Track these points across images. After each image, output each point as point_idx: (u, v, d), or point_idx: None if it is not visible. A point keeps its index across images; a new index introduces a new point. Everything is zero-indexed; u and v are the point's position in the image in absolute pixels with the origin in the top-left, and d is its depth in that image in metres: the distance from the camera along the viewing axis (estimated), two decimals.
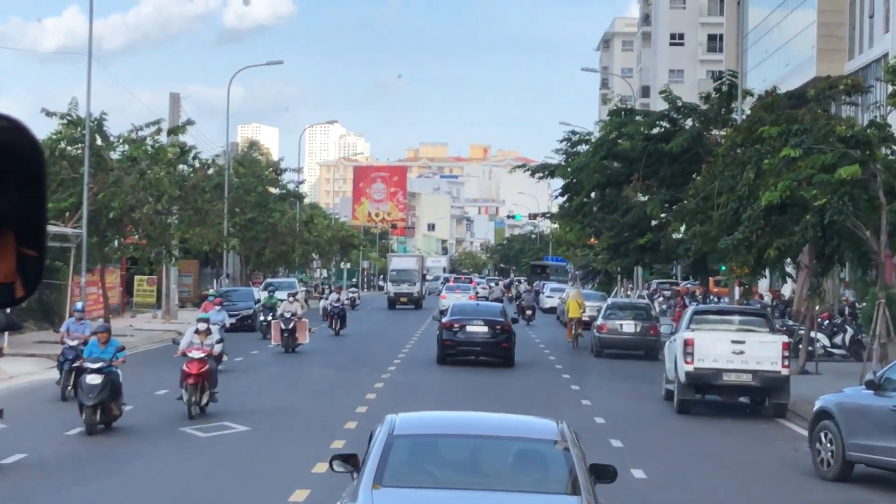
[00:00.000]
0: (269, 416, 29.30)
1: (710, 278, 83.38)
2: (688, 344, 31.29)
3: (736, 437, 28.62)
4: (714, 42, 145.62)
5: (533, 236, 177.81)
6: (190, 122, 54.59)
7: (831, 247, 33.71)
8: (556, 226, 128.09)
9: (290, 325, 46.50)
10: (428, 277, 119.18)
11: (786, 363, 30.98)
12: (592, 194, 54.15)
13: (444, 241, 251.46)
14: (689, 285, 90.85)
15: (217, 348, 30.05)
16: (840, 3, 77.45)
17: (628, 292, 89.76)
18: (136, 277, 68.99)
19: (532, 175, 57.74)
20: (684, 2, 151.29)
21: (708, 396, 32.31)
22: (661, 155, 50.58)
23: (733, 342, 31.10)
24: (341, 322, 57.19)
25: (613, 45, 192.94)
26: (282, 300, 50.01)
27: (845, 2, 77.14)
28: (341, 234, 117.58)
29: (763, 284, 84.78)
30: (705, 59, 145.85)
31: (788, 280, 75.96)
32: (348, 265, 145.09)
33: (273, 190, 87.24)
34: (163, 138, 53.66)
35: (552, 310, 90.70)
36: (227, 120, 74.54)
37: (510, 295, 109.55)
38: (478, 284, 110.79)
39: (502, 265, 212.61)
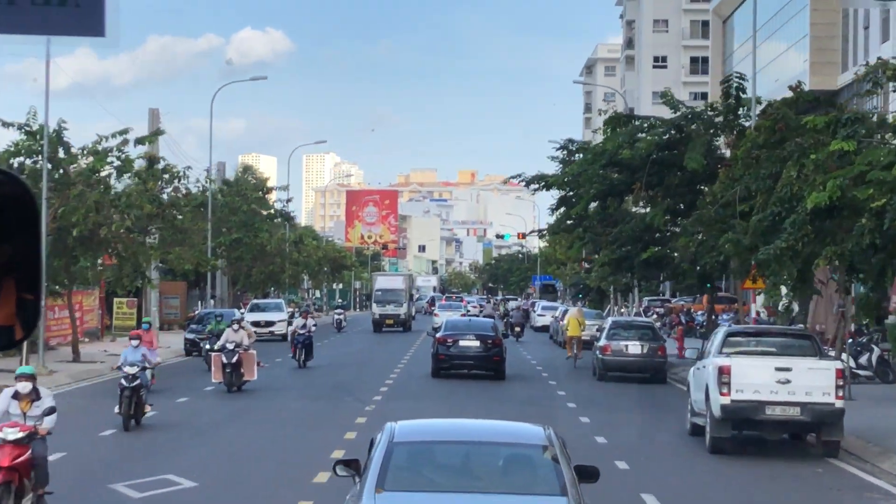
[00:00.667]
0: (222, 467, 22.82)
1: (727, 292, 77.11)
2: (723, 372, 24.89)
3: (786, 484, 22.35)
4: (696, 64, 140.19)
5: (520, 256, 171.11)
6: (159, 133, 48.01)
7: (881, 258, 27.24)
8: (545, 244, 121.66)
9: (234, 359, 36.11)
10: (417, 298, 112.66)
11: (840, 394, 24.57)
12: (591, 206, 47.51)
13: (434, 262, 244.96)
14: (682, 302, 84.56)
15: (47, 423, 17.17)
16: (832, 16, 72.83)
17: (621, 310, 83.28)
18: (116, 300, 62.38)
19: (527, 186, 51.02)
20: (667, 25, 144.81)
21: (745, 432, 25.82)
22: (666, 164, 44.23)
23: (777, 370, 24.71)
24: (306, 352, 46.01)
25: (596, 71, 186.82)
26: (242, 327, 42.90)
27: (838, 15, 72.31)
28: (332, 255, 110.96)
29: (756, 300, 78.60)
30: (688, 80, 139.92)
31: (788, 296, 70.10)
32: (340, 286, 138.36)
33: (263, 211, 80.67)
34: (139, 159, 47.14)
35: (544, 328, 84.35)
36: (209, 134, 68.11)
37: (499, 313, 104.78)
38: (468, 303, 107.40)
39: (490, 284, 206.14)
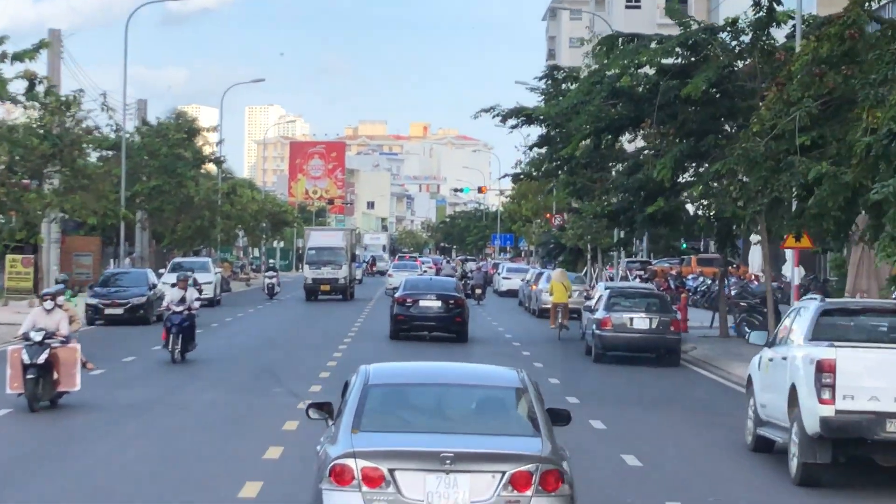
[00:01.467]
0: None
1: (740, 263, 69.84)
2: (825, 369, 17.29)
3: None
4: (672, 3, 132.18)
5: (478, 213, 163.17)
6: (44, 45, 39.45)
7: None
8: (509, 199, 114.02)
9: (41, 358, 22.83)
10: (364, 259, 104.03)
11: None
12: (583, 143, 39.50)
13: (383, 220, 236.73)
14: (666, 264, 77.11)
15: None
16: None
17: (602, 273, 75.64)
18: (9, 257, 54.19)
19: (503, 121, 43.02)
20: None
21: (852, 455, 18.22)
22: (679, 95, 36.54)
23: None
24: (184, 339, 32.42)
25: (561, 16, 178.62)
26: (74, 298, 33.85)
27: None
28: (271, 209, 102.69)
29: (755, 261, 71.27)
30: (663, 22, 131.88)
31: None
32: (281, 244, 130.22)
33: (190, 156, 72.36)
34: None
35: (510, 293, 76.79)
36: (124, 59, 60.00)
37: (457, 274, 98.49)
38: (423, 263, 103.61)
39: (444, 244, 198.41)
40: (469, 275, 77.04)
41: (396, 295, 42.54)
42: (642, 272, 73.98)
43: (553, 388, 28.35)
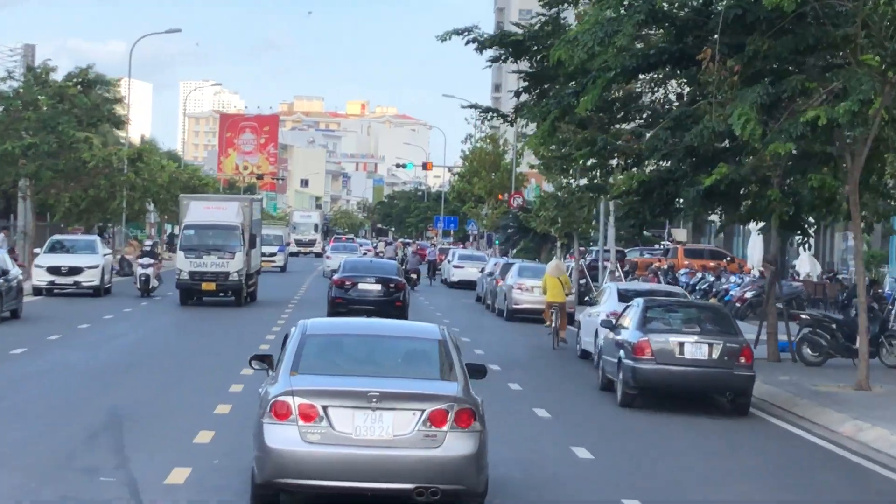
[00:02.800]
0: None
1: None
2: None
3: None
4: None
5: (419, 192, 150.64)
6: None
7: None
8: (456, 177, 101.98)
9: None
10: (286, 241, 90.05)
11: None
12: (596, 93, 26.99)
13: (318, 199, 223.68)
14: (648, 255, 65.42)
15: None
16: None
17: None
18: None
19: (480, 50, 30.56)
20: None
21: None
22: (746, 21, 24.54)
23: None
24: None
25: None
26: None
27: None
28: (187, 180, 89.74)
29: (755, 253, 59.67)
30: None
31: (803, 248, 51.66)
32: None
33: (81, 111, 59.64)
34: None
35: (464, 285, 64.89)
36: None
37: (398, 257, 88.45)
38: (361, 245, 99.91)
39: (380, 226, 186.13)
40: (406, 259, 71.42)
41: (335, 277, 41.20)
42: (619, 265, 62.23)
43: (580, 469, 16.41)
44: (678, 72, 26.85)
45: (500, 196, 79.98)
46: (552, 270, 37.32)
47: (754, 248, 58.08)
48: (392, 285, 39.98)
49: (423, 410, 12.81)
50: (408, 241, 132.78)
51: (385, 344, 14.27)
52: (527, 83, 32.06)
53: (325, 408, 12.77)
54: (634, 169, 27.05)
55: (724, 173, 23.93)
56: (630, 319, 24.13)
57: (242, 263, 44.72)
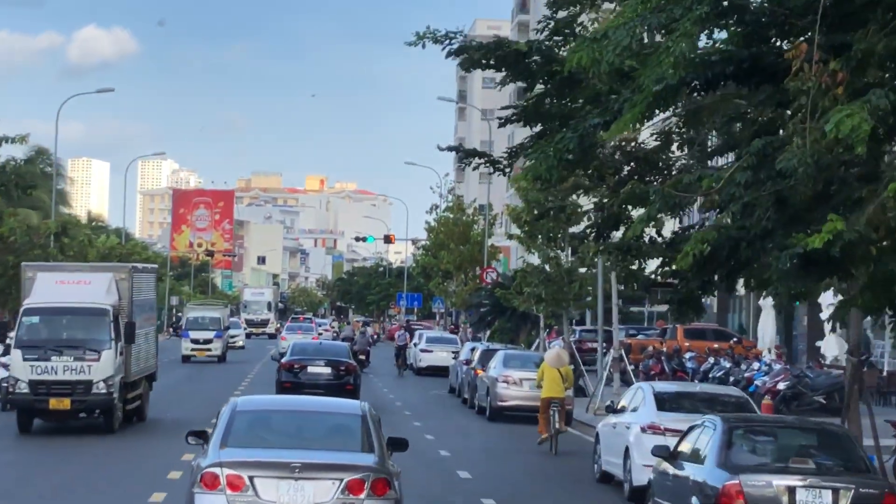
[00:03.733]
0: None
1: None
2: None
3: None
4: None
5: (381, 268, 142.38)
6: None
7: None
8: (421, 251, 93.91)
9: None
10: (225, 324, 70.24)
11: None
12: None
13: (275, 276, 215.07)
14: (643, 336, 57.52)
15: None
16: None
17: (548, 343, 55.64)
18: None
19: (467, 66, 22.74)
20: None
21: None
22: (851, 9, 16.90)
23: None
24: None
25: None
26: None
27: None
28: (123, 255, 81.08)
29: (766, 332, 51.89)
30: None
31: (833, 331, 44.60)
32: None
33: None
34: None
35: (434, 372, 56.88)
36: None
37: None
38: (318, 325, 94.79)
39: (340, 303, 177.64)
40: (354, 339, 65.31)
41: (283, 360, 39.42)
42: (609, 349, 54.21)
43: None
44: (750, 88, 18.87)
45: (473, 270, 72.10)
46: (552, 360, 29.61)
47: (766, 327, 50.23)
48: (342, 368, 38.21)
49: (341, 480, 13.80)
50: (367, 320, 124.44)
51: (309, 419, 15.32)
52: (526, 113, 24.21)
53: (251, 478, 13.77)
54: (696, 229, 19.00)
55: (837, 230, 15.92)
56: (702, 447, 16.06)
57: (113, 367, 29.61)
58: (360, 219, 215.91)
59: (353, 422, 14.88)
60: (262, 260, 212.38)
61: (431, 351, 58.24)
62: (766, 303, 48.76)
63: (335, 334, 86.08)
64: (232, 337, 75.02)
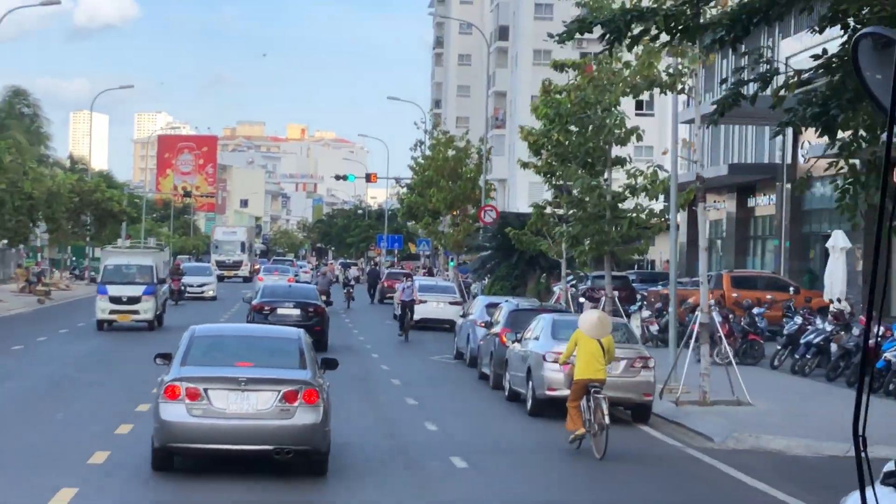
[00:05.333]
0: None
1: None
2: None
3: None
4: None
5: (360, 210, 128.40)
6: None
7: None
8: (405, 189, 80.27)
9: None
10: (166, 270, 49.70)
11: None
12: None
13: (258, 219, 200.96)
14: (659, 286, 44.56)
15: None
16: None
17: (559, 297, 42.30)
18: None
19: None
20: None
21: None
22: None
23: None
24: None
25: (450, 2, 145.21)
26: None
27: None
28: (85, 191, 67.29)
29: (832, 282, 38.79)
30: None
31: None
32: (127, 242, 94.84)
33: None
34: None
35: (428, 326, 43.82)
36: None
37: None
38: (300, 267, 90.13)
39: (320, 245, 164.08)
40: (351, 282, 63.55)
41: (253, 302, 37.03)
42: (643, 302, 40.97)
43: None
44: None
45: (465, 209, 58.60)
46: (591, 327, 17.27)
47: (835, 273, 37.04)
48: (311, 310, 36.22)
49: (279, 391, 15.15)
50: (348, 262, 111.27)
51: (255, 342, 16.85)
52: None
53: (205, 390, 15.12)
54: None
55: None
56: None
57: None
58: (339, 163, 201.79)
59: (290, 345, 16.29)
60: (244, 203, 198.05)
61: (425, 301, 44.89)
62: (836, 241, 35.79)
63: (315, 276, 73.48)
64: (200, 286, 60.22)
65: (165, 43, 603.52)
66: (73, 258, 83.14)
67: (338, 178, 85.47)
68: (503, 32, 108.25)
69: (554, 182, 33.12)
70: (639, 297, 43.44)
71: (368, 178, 78.74)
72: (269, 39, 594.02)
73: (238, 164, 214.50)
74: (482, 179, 57.91)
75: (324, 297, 42.48)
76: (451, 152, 60.05)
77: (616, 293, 33.68)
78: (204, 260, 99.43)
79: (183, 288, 56.25)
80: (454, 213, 59.42)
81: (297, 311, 35.50)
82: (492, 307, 30.95)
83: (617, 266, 41.85)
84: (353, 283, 66.77)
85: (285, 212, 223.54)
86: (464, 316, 34.22)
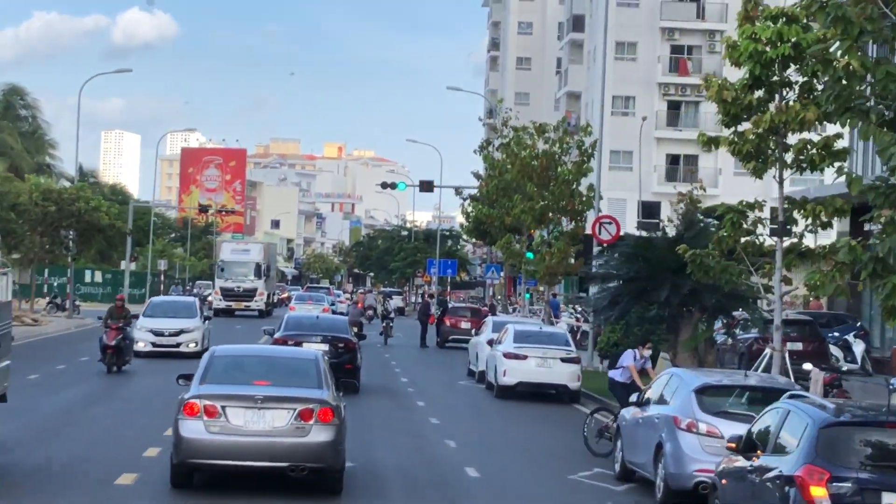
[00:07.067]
0: None
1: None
2: None
3: None
4: None
5: (405, 232, 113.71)
6: None
7: None
8: (468, 203, 65.29)
9: None
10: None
11: None
12: None
13: (290, 241, 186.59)
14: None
15: None
16: None
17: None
18: None
19: None
20: None
21: None
22: None
23: None
24: None
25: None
26: None
27: None
28: (65, 199, 52.81)
29: None
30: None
31: None
32: (133, 265, 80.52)
33: None
34: None
35: (528, 395, 29.25)
36: None
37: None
38: (336, 296, 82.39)
39: (357, 270, 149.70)
40: (391, 314, 55.14)
41: (276, 335, 32.10)
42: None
43: None
44: None
45: (559, 223, 43.75)
46: None
47: None
48: (342, 346, 30.70)
49: (295, 409, 15.83)
50: (390, 291, 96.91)
51: (274, 362, 17.51)
52: None
53: (223, 407, 15.82)
54: None
55: None
56: None
57: None
58: (379, 181, 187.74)
59: (308, 365, 16.98)
60: (275, 224, 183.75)
61: (525, 357, 30.14)
62: None
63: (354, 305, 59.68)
64: (175, 335, 38.46)
65: (203, 62, 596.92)
66: (54, 283, 68.64)
67: (385, 185, 70.47)
68: (577, 23, 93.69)
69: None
70: (834, 352, 29.43)
71: (424, 185, 63.80)
72: (307, 60, 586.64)
73: (269, 181, 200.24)
74: (586, 182, 43.22)
75: (355, 330, 36.14)
76: (540, 146, 45.28)
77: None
78: (193, 291, 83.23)
79: (127, 343, 34.07)
80: (544, 226, 44.61)
81: (325, 347, 30.39)
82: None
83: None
84: (392, 315, 55.56)
85: (320, 233, 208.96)
86: (635, 401, 19.23)
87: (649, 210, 74.08)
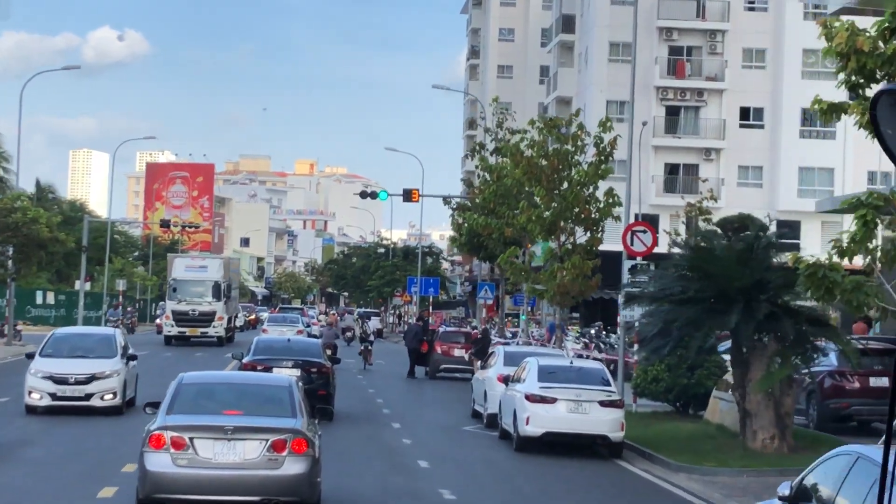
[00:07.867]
0: None
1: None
2: None
3: None
4: None
5: (382, 249, 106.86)
6: None
7: None
8: (457, 213, 58.74)
9: None
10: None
11: None
12: None
13: (260, 260, 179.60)
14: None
15: None
16: None
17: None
18: None
19: None
20: None
21: None
22: None
23: None
24: None
25: (489, 2, 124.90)
26: None
27: None
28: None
29: None
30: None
31: None
32: (87, 285, 73.85)
33: None
34: None
35: (557, 447, 22.50)
36: None
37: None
38: (311, 317, 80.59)
39: (331, 290, 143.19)
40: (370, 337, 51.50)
41: (244, 360, 30.40)
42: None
43: None
44: None
45: (572, 233, 37.34)
46: None
47: None
48: (314, 370, 29.30)
49: (267, 440, 15.09)
50: (369, 311, 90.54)
51: (245, 389, 16.75)
52: None
53: (191, 439, 15.06)
54: None
55: None
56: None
57: None
58: (351, 199, 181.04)
59: (281, 392, 16.17)
60: (245, 242, 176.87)
61: (554, 401, 23.74)
62: None
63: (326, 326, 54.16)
64: (83, 383, 27.99)
65: (174, 80, 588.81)
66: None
67: (364, 195, 63.81)
68: (567, 23, 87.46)
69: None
70: None
71: (408, 195, 56.90)
72: (278, 77, 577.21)
73: (239, 197, 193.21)
74: (604, 186, 36.86)
75: (328, 352, 35.07)
76: (550, 145, 38.86)
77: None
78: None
79: None
80: (555, 237, 38.17)
81: (296, 373, 28.30)
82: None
83: None
84: (372, 338, 52.02)
85: (291, 251, 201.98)
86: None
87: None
